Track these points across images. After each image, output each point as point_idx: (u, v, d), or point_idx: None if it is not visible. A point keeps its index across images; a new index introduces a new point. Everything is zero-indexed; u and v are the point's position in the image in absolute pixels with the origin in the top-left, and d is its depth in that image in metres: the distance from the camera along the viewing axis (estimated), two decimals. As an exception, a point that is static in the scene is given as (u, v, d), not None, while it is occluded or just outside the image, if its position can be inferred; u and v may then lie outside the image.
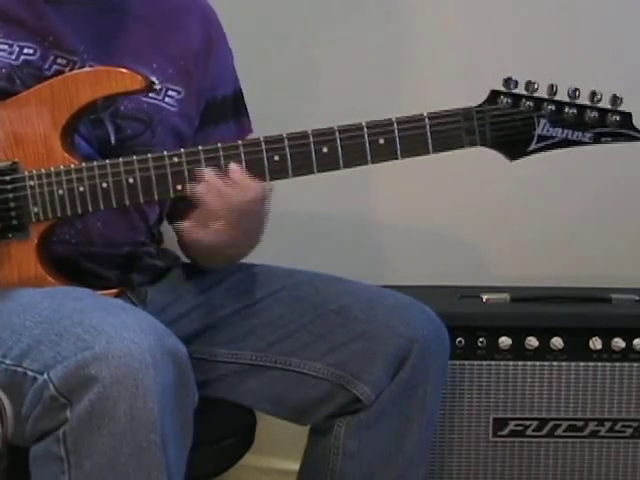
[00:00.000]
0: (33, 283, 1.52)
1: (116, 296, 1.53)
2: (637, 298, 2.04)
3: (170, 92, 1.68)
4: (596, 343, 1.94)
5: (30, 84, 1.56)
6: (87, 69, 1.58)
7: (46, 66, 1.59)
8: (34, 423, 1.32)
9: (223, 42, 1.77)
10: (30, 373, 1.33)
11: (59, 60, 1.59)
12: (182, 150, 1.51)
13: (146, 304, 1.69)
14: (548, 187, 2.22)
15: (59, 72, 1.58)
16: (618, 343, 1.93)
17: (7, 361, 1.36)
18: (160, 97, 1.67)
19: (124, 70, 1.54)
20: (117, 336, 1.29)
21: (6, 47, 1.58)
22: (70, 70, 1.59)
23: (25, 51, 1.58)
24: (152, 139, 1.65)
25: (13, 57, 1.58)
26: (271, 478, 2.32)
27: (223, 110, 1.76)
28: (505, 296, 2.03)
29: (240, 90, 1.80)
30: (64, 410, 1.29)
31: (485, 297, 2.03)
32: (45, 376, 1.30)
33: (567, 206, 2.25)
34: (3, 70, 1.57)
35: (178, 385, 1.33)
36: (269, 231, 2.26)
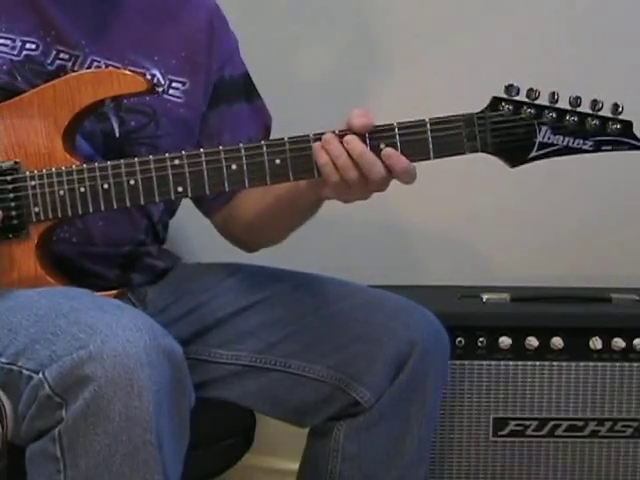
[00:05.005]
0: (32, 283, 1.52)
1: (115, 297, 1.52)
2: (637, 298, 2.03)
3: (174, 84, 1.68)
4: (596, 343, 1.94)
5: (32, 80, 1.56)
6: (90, 70, 1.59)
7: (48, 61, 1.59)
8: (30, 422, 1.32)
9: (225, 28, 1.77)
10: (25, 372, 1.32)
11: (62, 55, 1.60)
12: (183, 152, 1.50)
13: (146, 304, 1.70)
14: (548, 187, 2.22)
15: (61, 67, 1.59)
16: (618, 343, 1.93)
17: (3, 360, 1.36)
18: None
19: (127, 72, 1.54)
20: (112, 335, 1.29)
21: (9, 42, 1.58)
22: (72, 65, 1.60)
23: (27, 46, 1.58)
24: (157, 131, 1.65)
25: (15, 52, 1.58)
26: (271, 478, 2.32)
27: (234, 90, 1.75)
28: (505, 296, 2.03)
29: (248, 74, 1.79)
30: (59, 409, 1.29)
31: (485, 297, 2.03)
32: (40, 375, 1.30)
33: (567, 206, 2.24)
34: (4, 67, 1.57)
35: (174, 384, 1.32)
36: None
